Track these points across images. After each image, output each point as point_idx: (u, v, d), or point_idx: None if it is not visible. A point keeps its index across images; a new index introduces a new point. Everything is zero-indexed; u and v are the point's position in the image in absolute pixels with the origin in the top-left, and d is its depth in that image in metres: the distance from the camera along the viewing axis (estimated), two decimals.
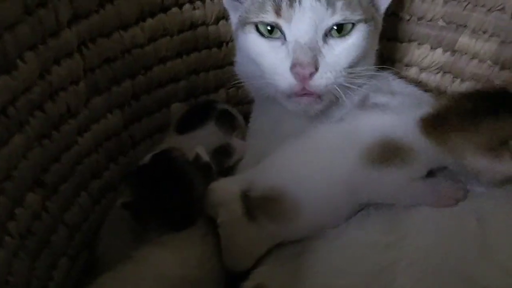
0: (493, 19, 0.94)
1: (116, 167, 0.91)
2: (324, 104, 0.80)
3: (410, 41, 1.03)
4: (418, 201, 0.67)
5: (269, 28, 0.78)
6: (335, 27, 0.76)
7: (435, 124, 0.65)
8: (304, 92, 0.77)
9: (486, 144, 0.61)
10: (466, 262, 0.61)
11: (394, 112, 0.72)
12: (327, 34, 0.76)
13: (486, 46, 0.96)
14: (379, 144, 0.67)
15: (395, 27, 1.02)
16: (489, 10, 0.93)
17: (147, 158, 0.79)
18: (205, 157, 0.81)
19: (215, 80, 1.04)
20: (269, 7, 0.76)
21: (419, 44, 1.03)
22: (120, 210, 0.84)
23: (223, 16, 0.97)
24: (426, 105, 0.70)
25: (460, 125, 0.63)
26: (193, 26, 0.96)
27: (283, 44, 0.78)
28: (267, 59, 0.79)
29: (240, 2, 0.85)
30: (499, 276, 0.59)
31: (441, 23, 0.99)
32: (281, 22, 0.76)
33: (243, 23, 0.82)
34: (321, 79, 0.75)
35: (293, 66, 0.74)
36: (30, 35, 0.64)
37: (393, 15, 1.00)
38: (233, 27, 0.90)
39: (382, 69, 0.87)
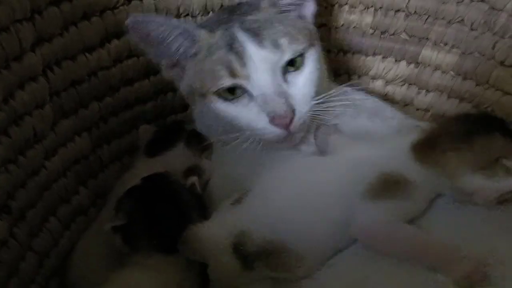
0: (453, 31, 0.96)
1: (85, 190, 0.90)
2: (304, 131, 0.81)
3: (375, 54, 1.05)
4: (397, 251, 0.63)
5: (229, 89, 0.77)
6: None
7: (428, 148, 0.65)
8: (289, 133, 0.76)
9: (481, 163, 0.62)
10: None
11: (381, 142, 0.72)
12: (284, 73, 0.76)
13: (448, 58, 0.99)
14: (379, 180, 0.65)
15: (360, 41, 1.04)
16: (449, 22, 0.96)
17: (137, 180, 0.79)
18: (199, 190, 0.82)
19: (182, 100, 1.03)
20: (223, 72, 0.75)
21: (383, 57, 1.05)
22: (96, 235, 0.83)
23: None
24: (408, 129, 0.73)
25: (453, 145, 0.64)
26: None
27: (250, 100, 0.76)
28: (242, 119, 0.77)
29: (181, 70, 0.83)
30: None
31: (404, 36, 1.01)
32: (241, 81, 0.75)
33: (201, 94, 0.80)
34: (300, 119, 0.75)
35: (271, 119, 0.74)
36: None
37: (356, 29, 1.02)
38: (183, 93, 0.86)
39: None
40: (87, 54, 0.83)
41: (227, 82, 0.75)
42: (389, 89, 1.07)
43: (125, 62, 0.92)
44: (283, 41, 0.75)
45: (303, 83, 0.77)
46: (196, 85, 0.80)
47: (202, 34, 0.78)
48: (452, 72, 0.99)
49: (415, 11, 0.97)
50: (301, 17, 0.83)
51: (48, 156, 0.79)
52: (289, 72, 0.77)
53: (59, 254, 0.83)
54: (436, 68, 1.01)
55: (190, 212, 0.80)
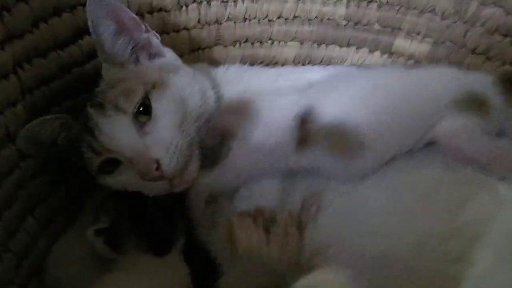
0: (425, 21, 0.98)
1: (64, 188, 0.89)
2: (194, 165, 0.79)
3: (349, 45, 1.05)
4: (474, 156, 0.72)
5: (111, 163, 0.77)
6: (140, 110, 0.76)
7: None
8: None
9: None
10: None
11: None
12: (142, 127, 0.75)
13: (420, 47, 1.00)
14: (467, 96, 0.74)
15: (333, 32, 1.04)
16: (421, 12, 0.97)
17: None
18: None
19: None
20: (89, 153, 0.76)
21: (357, 48, 1.05)
22: (74, 237, 0.83)
23: (163, 30, 0.97)
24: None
25: None
26: None
27: (125, 167, 0.76)
28: (128, 184, 0.77)
29: None
30: None
31: (377, 27, 1.02)
32: (106, 155, 0.76)
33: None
34: (170, 163, 0.74)
35: (142, 177, 0.73)
36: None
37: (330, 20, 1.02)
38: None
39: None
40: (58, 51, 0.82)
41: (96, 161, 0.76)
42: None
43: (99, 58, 0.90)
44: (120, 101, 0.74)
45: (161, 127, 0.75)
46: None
47: (69, 121, 0.79)
48: (425, 61, 1.00)
49: (387, 2, 0.98)
50: (153, 55, 0.84)
51: (23, 155, 0.78)
52: (146, 123, 0.75)
53: (38, 254, 0.82)
54: (410, 57, 1.02)
55: (173, 213, 0.81)
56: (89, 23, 0.75)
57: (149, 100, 0.76)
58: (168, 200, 0.80)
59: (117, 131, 0.74)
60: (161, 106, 0.76)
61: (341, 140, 0.72)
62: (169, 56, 0.86)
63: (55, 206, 0.87)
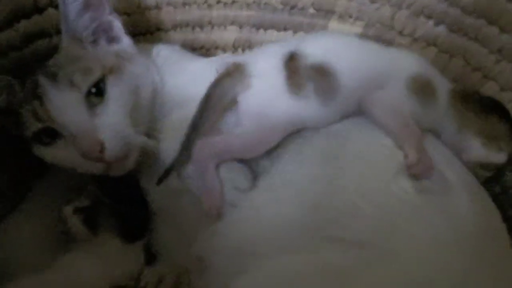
0: (356, 4, 1.02)
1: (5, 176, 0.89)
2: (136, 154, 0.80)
3: (286, 29, 1.09)
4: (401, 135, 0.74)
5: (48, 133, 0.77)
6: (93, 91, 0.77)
7: (463, 97, 0.79)
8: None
9: (485, 133, 0.77)
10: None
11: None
12: (92, 107, 0.76)
13: (353, 29, 1.04)
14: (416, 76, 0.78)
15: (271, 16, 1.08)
16: None
17: None
18: None
19: None
20: (31, 119, 0.76)
21: (294, 32, 1.09)
22: (24, 218, 0.82)
23: None
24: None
25: (480, 108, 0.78)
26: None
27: (64, 140, 0.77)
28: (64, 159, 0.78)
29: None
30: None
31: (311, 10, 1.06)
32: (47, 125, 0.76)
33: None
34: (114, 148, 0.75)
35: (83, 155, 0.74)
36: None
37: (267, 5, 1.06)
38: None
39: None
40: None
41: (34, 127, 0.76)
42: None
43: (37, 43, 0.91)
44: (76, 77, 0.75)
45: (111, 112, 0.77)
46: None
47: (17, 87, 0.79)
48: None
49: None
50: (112, 40, 0.86)
51: None
52: (97, 104, 0.76)
53: None
54: None
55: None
56: None
57: (104, 83, 0.77)
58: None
59: (68, 106, 0.74)
60: (115, 92, 0.77)
61: (323, 79, 0.75)
62: (126, 42, 0.87)
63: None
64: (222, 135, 0.77)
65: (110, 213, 0.82)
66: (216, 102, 0.75)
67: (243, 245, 0.70)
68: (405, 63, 0.80)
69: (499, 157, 0.76)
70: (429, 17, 0.97)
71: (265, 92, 0.76)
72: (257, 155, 0.76)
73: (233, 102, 0.78)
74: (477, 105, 0.78)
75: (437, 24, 0.96)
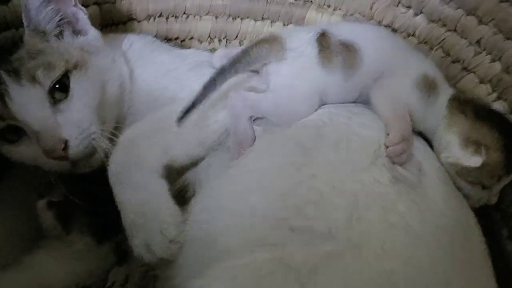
0: None
1: None
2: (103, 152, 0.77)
3: (263, 19, 1.06)
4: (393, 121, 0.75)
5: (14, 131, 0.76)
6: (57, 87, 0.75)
7: (460, 103, 0.78)
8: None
9: (469, 139, 0.74)
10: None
11: None
12: (55, 104, 0.74)
13: (332, 19, 1.03)
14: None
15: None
16: None
17: None
18: None
19: None
20: None
21: (272, 21, 1.06)
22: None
23: None
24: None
25: (473, 115, 0.76)
26: None
27: (28, 138, 0.75)
28: (28, 157, 0.76)
29: None
30: None
31: (290, 0, 1.03)
32: (11, 122, 0.74)
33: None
34: (77, 146, 0.73)
35: (46, 153, 0.72)
36: None
37: None
38: None
39: None
40: None
41: None
42: None
43: (3, 34, 0.88)
44: (39, 73, 0.73)
45: (75, 108, 0.75)
46: None
47: None
48: None
49: None
50: (78, 32, 0.83)
51: None
52: (61, 101, 0.75)
53: None
54: None
55: None
56: None
57: (68, 78, 0.75)
58: None
59: (30, 103, 0.72)
60: (79, 87, 0.76)
61: (349, 54, 0.77)
62: (93, 35, 0.85)
63: None
64: (255, 93, 0.79)
65: (83, 212, 0.80)
66: (250, 60, 0.78)
67: (209, 237, 0.68)
68: (418, 61, 0.81)
69: (472, 160, 0.73)
70: (408, 6, 0.94)
71: (298, 64, 0.78)
72: (285, 122, 0.77)
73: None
74: (472, 109, 0.76)
75: (416, 14, 0.94)
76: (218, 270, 0.62)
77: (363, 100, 0.81)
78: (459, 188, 0.76)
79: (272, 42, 0.79)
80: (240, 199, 0.71)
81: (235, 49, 0.80)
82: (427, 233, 0.65)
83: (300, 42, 0.79)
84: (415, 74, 0.78)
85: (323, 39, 0.78)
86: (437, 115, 0.78)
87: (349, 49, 0.77)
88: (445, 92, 0.79)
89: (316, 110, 0.79)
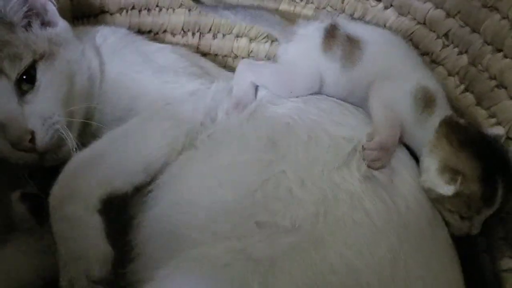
0: None
1: None
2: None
3: None
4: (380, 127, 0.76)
5: None
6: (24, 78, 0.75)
7: (450, 127, 0.75)
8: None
9: (448, 165, 0.71)
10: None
11: None
12: (23, 95, 0.74)
13: (303, 12, 1.03)
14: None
15: None
16: None
17: None
18: None
19: None
20: None
21: None
22: None
23: None
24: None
25: (458, 142, 0.73)
26: None
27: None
28: None
29: None
30: None
31: None
32: None
33: None
34: (44, 138, 0.73)
35: (13, 145, 0.72)
36: None
37: None
38: None
39: None
40: None
41: None
42: (254, 46, 1.08)
43: None
44: (5, 65, 0.73)
45: (42, 100, 0.74)
46: None
47: None
48: None
49: None
50: (47, 24, 0.83)
51: None
52: (28, 92, 0.74)
53: None
54: None
55: None
56: None
57: (35, 70, 0.75)
58: None
59: None
60: (46, 79, 0.75)
61: (351, 49, 0.81)
62: (62, 26, 0.85)
63: None
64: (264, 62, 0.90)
65: None
66: (262, 16, 0.92)
67: (177, 231, 0.69)
68: (423, 72, 0.81)
69: (445, 189, 0.70)
70: (378, 0, 0.95)
71: (303, 45, 0.85)
72: (282, 94, 0.83)
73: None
74: (460, 137, 0.74)
75: (386, 7, 0.95)
76: (179, 260, 0.63)
77: (355, 102, 0.83)
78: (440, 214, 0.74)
79: (286, 22, 0.89)
80: (209, 193, 0.71)
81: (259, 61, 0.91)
82: (392, 231, 0.66)
83: (311, 29, 0.85)
84: (415, 83, 0.77)
85: (332, 28, 0.84)
86: (424, 135, 0.76)
87: (352, 44, 0.82)
88: (441, 115, 0.77)
89: (291, 104, 0.81)
